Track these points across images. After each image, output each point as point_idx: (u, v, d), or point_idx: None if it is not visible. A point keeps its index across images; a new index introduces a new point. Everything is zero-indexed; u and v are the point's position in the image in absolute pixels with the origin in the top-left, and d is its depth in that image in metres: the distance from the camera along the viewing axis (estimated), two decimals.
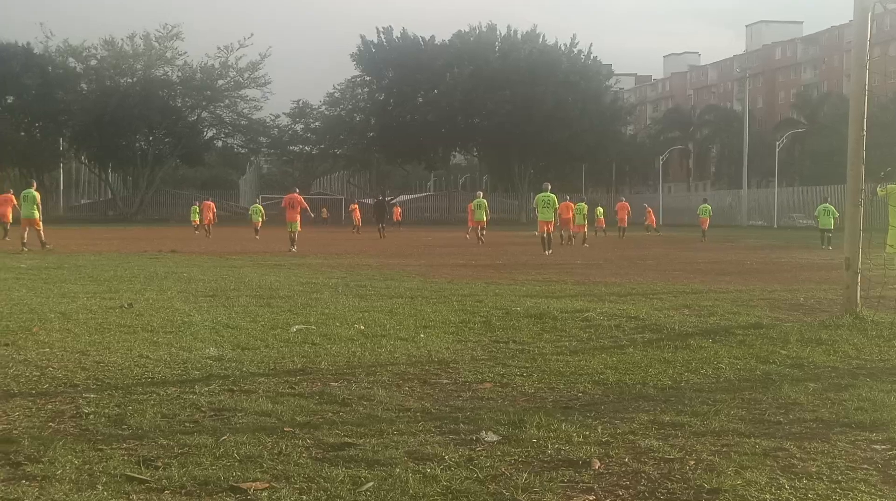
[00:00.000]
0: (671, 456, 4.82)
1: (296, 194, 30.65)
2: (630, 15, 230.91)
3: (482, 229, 34.54)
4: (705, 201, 48.06)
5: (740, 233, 50.89)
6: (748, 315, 10.89)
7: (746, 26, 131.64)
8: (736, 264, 22.67)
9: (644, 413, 5.81)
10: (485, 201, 34.92)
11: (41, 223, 27.12)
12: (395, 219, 62.30)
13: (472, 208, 35.09)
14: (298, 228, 29.01)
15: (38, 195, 27.75)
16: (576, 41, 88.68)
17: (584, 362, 7.67)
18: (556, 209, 28.15)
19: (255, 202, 49.38)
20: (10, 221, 35.20)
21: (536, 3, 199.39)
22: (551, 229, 27.51)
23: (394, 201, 66.30)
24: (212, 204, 45.42)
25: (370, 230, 46.21)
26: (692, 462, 4.72)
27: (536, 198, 28.65)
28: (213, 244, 32.41)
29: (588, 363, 7.59)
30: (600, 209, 45.16)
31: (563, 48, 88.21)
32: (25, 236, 26.12)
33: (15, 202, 33.73)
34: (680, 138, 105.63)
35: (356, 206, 57.44)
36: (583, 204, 37.37)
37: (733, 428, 5.44)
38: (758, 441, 5.13)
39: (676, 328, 9.74)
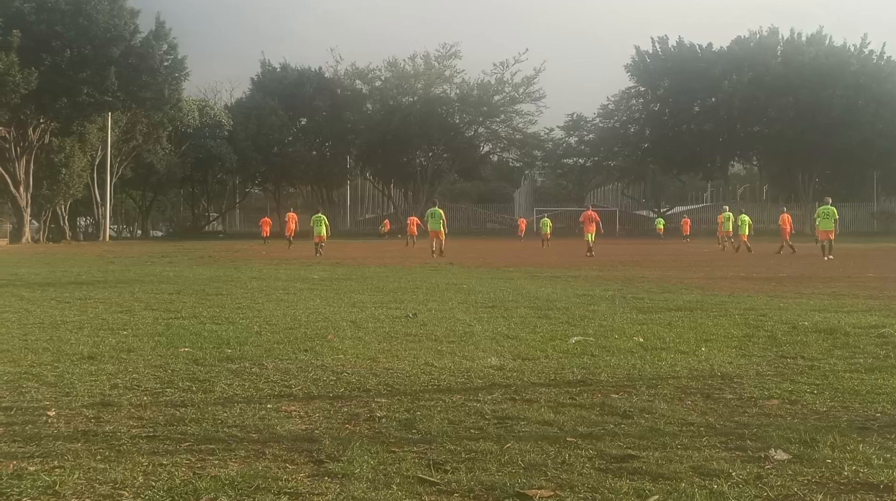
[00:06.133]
0: None
1: (591, 211, 35.22)
2: None
3: (729, 237, 39.92)
4: None
5: None
6: None
7: None
8: None
9: None
10: (731, 213, 40.43)
11: (443, 235, 33.14)
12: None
13: (721, 221, 40.66)
14: (594, 239, 33.57)
15: (442, 212, 33.60)
16: (867, 41, 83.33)
17: (881, 380, 7.21)
18: (836, 220, 30.92)
19: (544, 217, 53.76)
20: (293, 235, 42.31)
21: (823, 3, 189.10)
22: (831, 236, 30.65)
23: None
24: (416, 219, 50.03)
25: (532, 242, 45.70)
26: None
27: (818, 209, 31.71)
28: (499, 257, 33.25)
29: (886, 382, 7.12)
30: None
31: (852, 49, 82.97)
32: (434, 244, 32.88)
33: (297, 219, 41.71)
34: None
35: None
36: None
37: None
38: None
39: None
